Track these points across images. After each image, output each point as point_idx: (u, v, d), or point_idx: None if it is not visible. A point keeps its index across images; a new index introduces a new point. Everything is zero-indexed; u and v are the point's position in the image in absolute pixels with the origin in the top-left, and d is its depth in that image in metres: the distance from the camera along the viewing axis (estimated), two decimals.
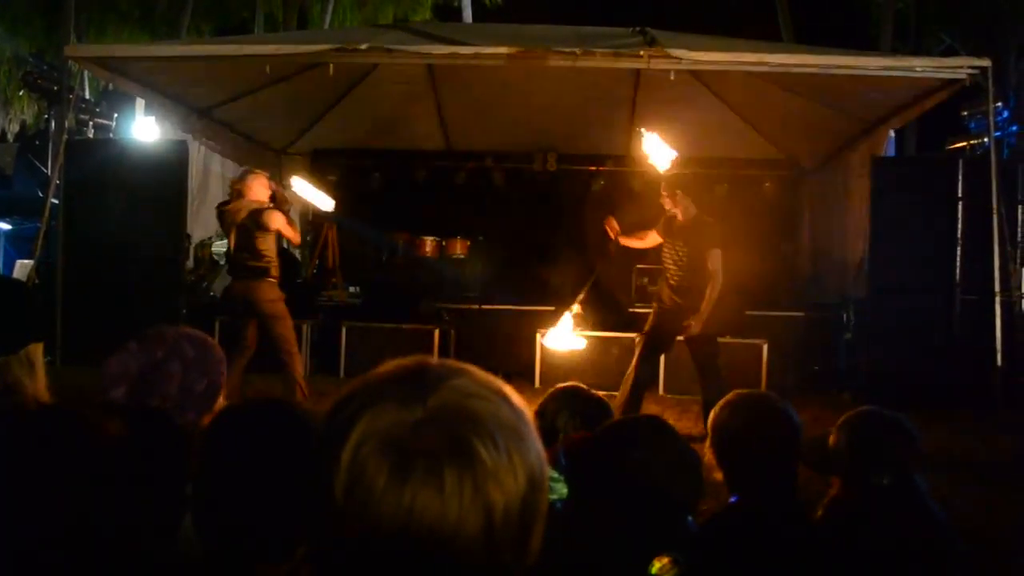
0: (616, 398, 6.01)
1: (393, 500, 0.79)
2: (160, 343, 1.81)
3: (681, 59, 7.21)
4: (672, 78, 7.50)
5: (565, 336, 7.30)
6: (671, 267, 6.25)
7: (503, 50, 7.24)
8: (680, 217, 6.22)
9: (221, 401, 1.86)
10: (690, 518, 1.86)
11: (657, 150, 6.36)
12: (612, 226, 6.51)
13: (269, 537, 1.36)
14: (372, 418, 0.82)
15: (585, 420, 2.33)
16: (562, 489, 1.86)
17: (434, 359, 0.89)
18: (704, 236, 6.09)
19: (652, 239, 6.59)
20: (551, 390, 2.47)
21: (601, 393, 2.66)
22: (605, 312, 9.15)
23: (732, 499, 2.14)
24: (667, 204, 6.30)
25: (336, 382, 8.29)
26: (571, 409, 2.37)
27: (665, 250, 6.32)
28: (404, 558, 0.79)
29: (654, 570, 1.54)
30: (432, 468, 0.79)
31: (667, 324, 6.22)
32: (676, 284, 6.17)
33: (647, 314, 9.12)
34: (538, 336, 8.38)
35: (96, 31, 18.57)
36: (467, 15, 20.18)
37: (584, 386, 2.55)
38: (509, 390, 0.89)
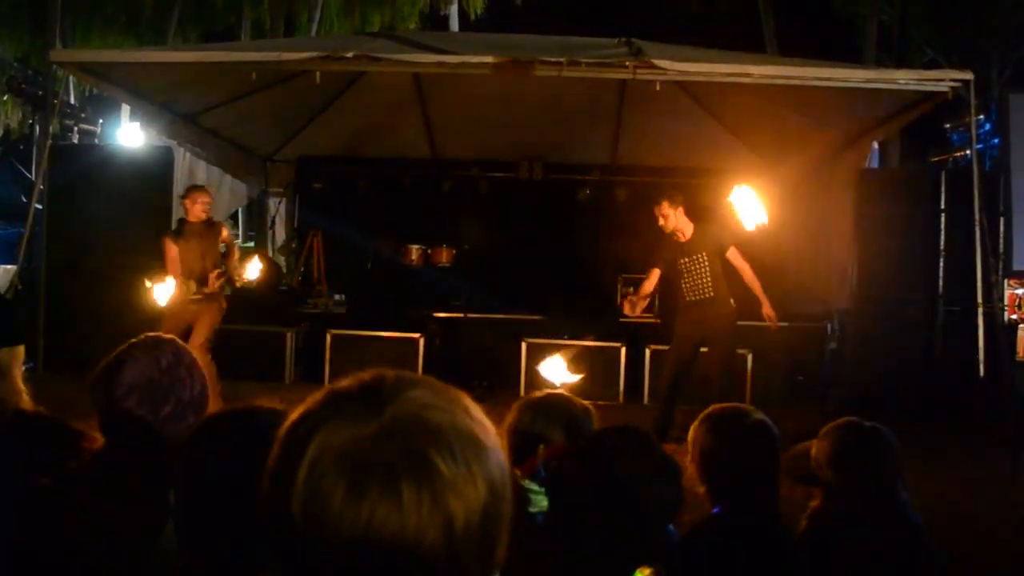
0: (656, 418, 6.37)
1: (351, 515, 0.78)
2: (163, 349, 1.81)
3: (666, 70, 7.23)
4: (657, 89, 7.52)
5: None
6: (694, 283, 6.39)
7: (489, 59, 7.25)
8: (684, 235, 6.43)
9: None
10: (671, 527, 1.86)
11: (748, 208, 6.29)
12: (633, 306, 6.54)
13: (250, 547, 1.36)
14: (327, 433, 0.81)
15: (568, 429, 2.27)
16: (542, 501, 1.85)
17: (391, 371, 0.88)
18: (717, 239, 6.41)
19: (654, 277, 6.68)
20: (528, 398, 2.39)
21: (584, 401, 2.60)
22: (589, 321, 9.17)
23: (714, 510, 2.15)
24: (667, 225, 6.42)
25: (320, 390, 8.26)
26: (550, 418, 2.30)
27: (683, 270, 6.43)
28: (365, 571, 0.79)
29: None
30: (389, 482, 0.79)
31: (695, 339, 6.39)
32: (704, 297, 6.34)
33: (632, 324, 9.21)
34: (532, 348, 8.37)
35: (82, 36, 18.49)
36: (454, 24, 20.23)
37: (566, 393, 2.49)
38: (468, 400, 0.88)
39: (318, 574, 0.80)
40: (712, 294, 6.33)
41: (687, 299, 6.44)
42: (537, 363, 8.22)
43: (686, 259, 6.42)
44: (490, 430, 0.88)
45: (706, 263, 6.35)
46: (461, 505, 0.80)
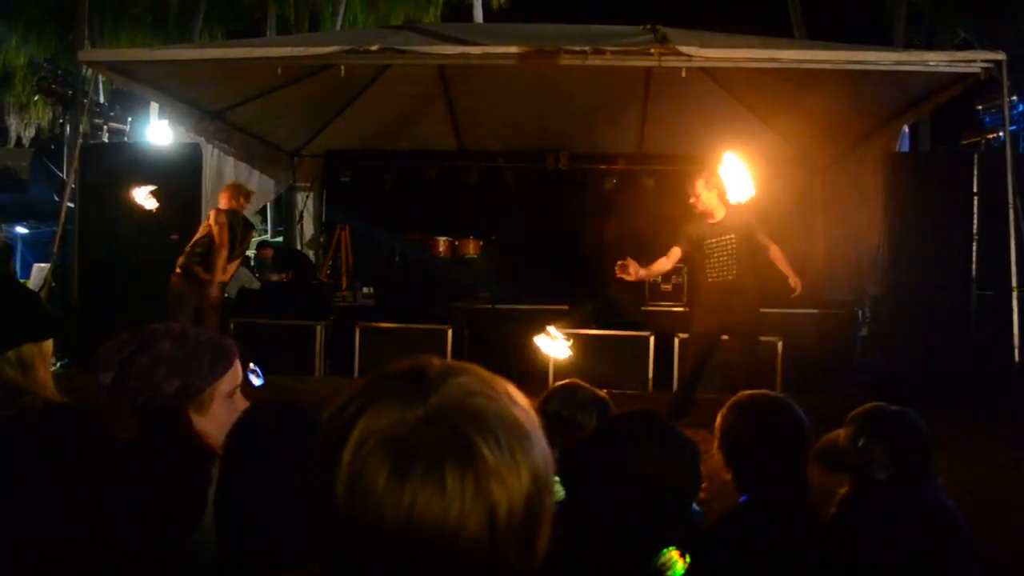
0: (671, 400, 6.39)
1: (394, 499, 0.78)
2: (141, 336, 1.78)
3: (692, 56, 7.17)
4: (683, 76, 7.47)
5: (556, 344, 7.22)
6: (718, 263, 6.28)
7: (513, 49, 7.23)
8: (715, 216, 6.34)
9: (240, 403, 1.82)
10: (696, 507, 1.85)
11: (736, 178, 6.26)
12: (627, 270, 6.46)
13: (290, 540, 1.37)
14: (373, 417, 0.81)
15: (584, 417, 2.27)
16: (559, 491, 1.84)
17: (437, 359, 0.88)
18: (747, 221, 6.32)
19: (673, 256, 6.56)
20: (549, 389, 2.39)
21: (613, 392, 2.59)
22: (617, 311, 9.14)
23: (742, 499, 2.13)
24: (697, 204, 6.35)
25: (350, 383, 8.30)
26: (569, 407, 2.31)
27: (708, 250, 6.32)
28: (406, 558, 0.78)
29: (659, 562, 1.54)
30: (433, 467, 0.78)
31: (713, 327, 6.29)
32: (726, 279, 6.23)
33: (660, 312, 9.17)
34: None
35: (110, 36, 18.68)
36: (478, 15, 20.19)
37: (583, 383, 2.48)
38: (513, 389, 0.88)
39: (358, 559, 0.80)
40: (734, 276, 6.21)
41: (709, 280, 6.32)
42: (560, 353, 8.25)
43: (714, 239, 6.29)
44: (534, 419, 0.87)
45: (734, 245, 6.23)
46: (504, 494, 0.80)
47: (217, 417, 1.75)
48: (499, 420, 0.83)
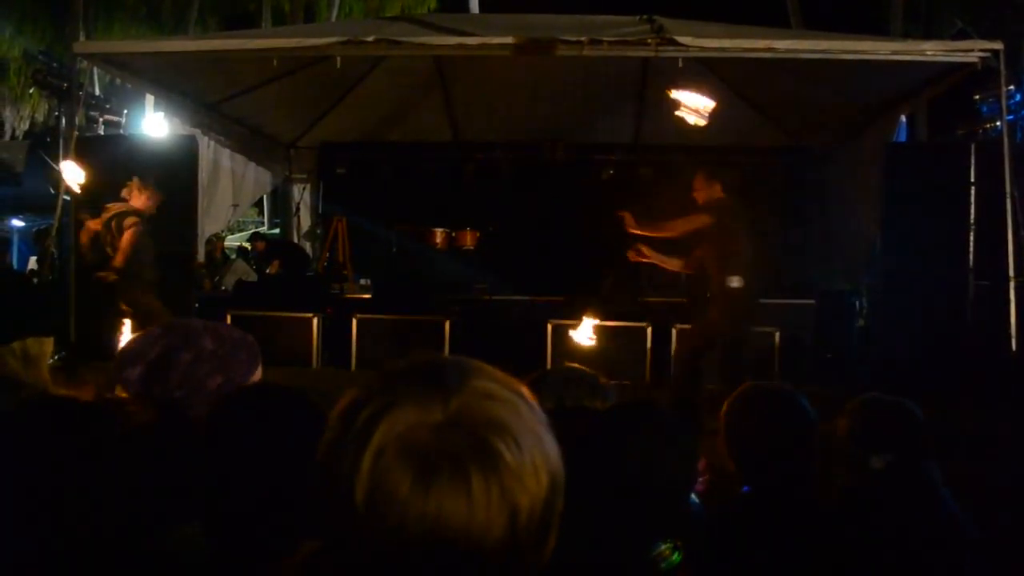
0: None
1: (418, 506, 0.77)
2: (178, 332, 1.79)
3: (689, 46, 7.16)
4: (680, 66, 7.45)
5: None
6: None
7: (509, 40, 7.21)
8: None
9: None
10: (695, 498, 1.84)
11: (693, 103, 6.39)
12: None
13: (276, 528, 1.36)
14: (391, 421, 0.80)
15: (577, 402, 2.19)
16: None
17: (448, 356, 0.87)
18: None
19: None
20: (540, 372, 2.26)
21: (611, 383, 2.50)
22: (617, 302, 9.13)
23: (744, 489, 2.12)
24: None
25: (347, 375, 8.32)
26: (562, 392, 2.22)
27: None
28: (429, 563, 0.78)
29: (655, 554, 1.54)
30: (457, 473, 0.78)
31: None
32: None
33: (659, 304, 9.16)
34: (558, 330, 8.31)
35: (104, 27, 18.63)
36: (474, 6, 20.11)
37: (577, 366, 2.39)
38: (526, 389, 0.88)
39: (381, 563, 0.80)
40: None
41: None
42: (562, 344, 8.26)
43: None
44: (546, 421, 0.87)
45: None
46: (526, 497, 0.80)
47: None
48: (518, 424, 0.82)
